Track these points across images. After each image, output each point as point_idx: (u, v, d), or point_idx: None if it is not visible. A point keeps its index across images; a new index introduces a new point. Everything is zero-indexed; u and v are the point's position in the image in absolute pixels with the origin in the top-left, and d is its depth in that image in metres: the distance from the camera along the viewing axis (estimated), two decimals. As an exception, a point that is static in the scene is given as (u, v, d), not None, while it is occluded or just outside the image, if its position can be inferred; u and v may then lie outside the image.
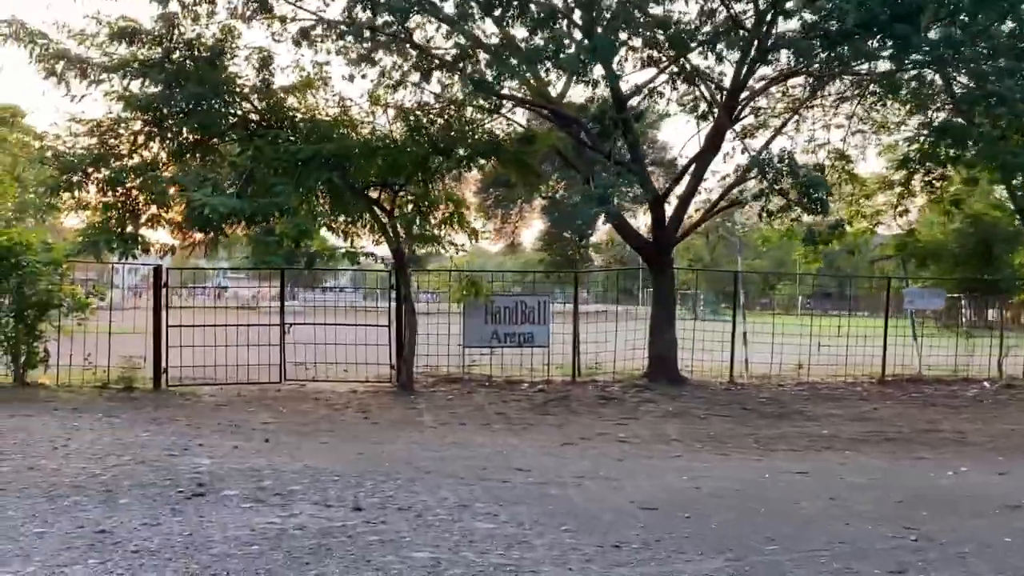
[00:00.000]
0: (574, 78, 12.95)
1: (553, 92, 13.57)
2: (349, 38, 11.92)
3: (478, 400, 12.96)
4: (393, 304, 14.02)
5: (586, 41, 11.65)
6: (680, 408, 12.40)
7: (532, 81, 12.61)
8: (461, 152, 11.28)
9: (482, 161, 11.34)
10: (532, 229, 47.69)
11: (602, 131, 12.66)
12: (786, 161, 11.97)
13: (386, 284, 14.33)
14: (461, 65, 11.87)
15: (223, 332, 13.63)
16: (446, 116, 11.55)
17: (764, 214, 13.09)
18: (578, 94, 14.15)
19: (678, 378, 14.40)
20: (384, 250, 13.72)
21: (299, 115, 11.87)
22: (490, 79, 11.54)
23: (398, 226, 12.59)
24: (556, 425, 11.01)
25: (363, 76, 12.68)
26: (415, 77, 12.46)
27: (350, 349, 14.10)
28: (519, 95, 12.71)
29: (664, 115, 13.63)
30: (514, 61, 11.35)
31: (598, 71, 11.92)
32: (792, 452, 9.55)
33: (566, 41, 11.58)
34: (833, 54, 12.23)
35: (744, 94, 13.66)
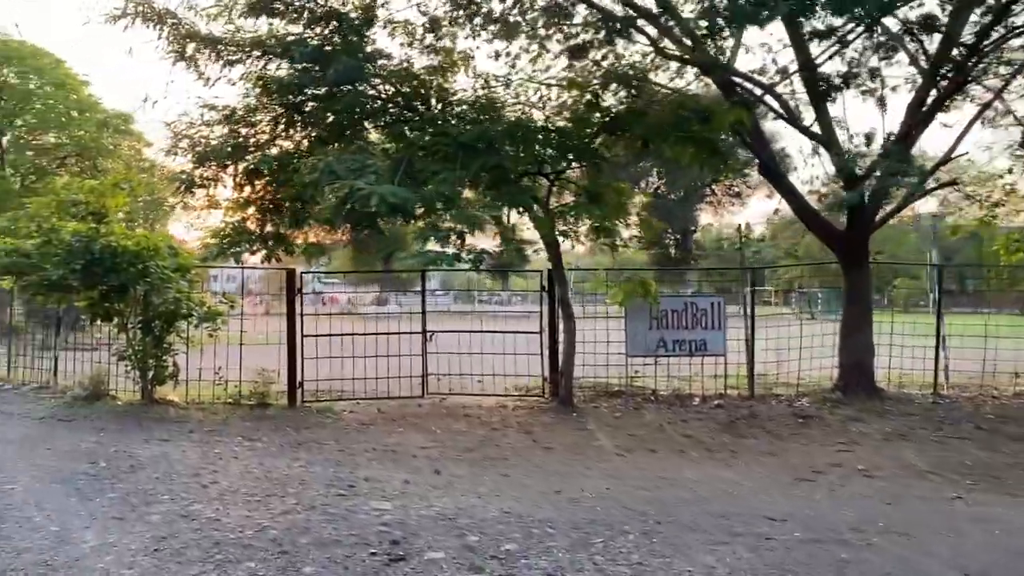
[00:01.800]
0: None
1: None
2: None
3: (651, 418, 11.28)
4: (546, 308, 12.48)
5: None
6: (899, 428, 10.44)
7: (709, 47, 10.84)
8: (638, 130, 9.61)
9: (663, 141, 9.65)
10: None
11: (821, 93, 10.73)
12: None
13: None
14: (664, 19, 10.17)
15: (352, 342, 12.39)
16: (630, 87, 9.88)
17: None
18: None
19: (875, 390, 12.38)
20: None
21: (448, 96, 10.44)
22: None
23: (555, 218, 10.99)
24: (766, 453, 9.24)
25: (529, 51, 11.07)
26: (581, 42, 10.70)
27: (489, 358, 12.62)
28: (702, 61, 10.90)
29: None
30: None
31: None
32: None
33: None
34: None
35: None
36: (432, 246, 9.11)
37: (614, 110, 9.71)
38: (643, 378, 13.06)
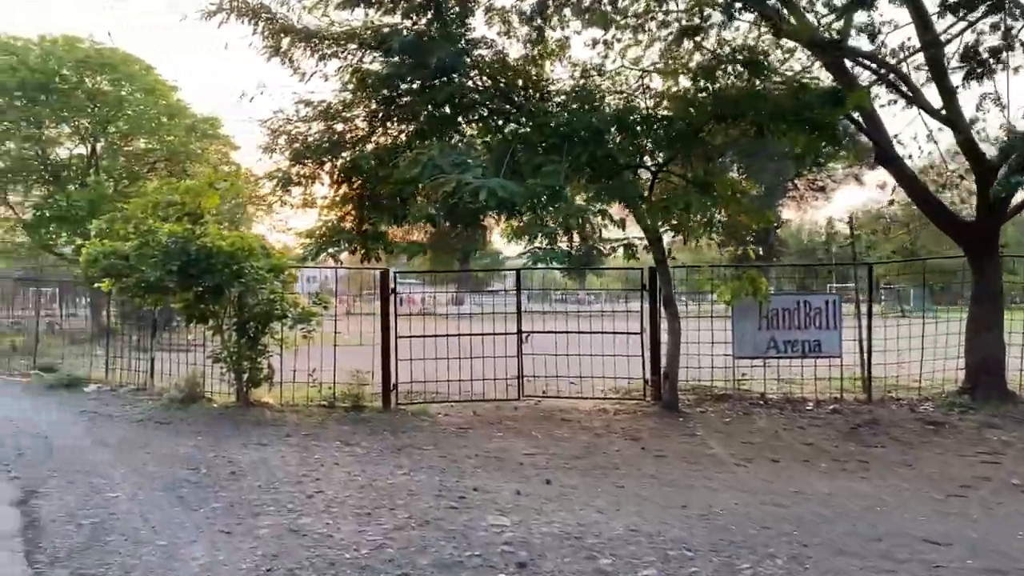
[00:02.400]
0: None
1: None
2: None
3: (763, 424, 10.58)
4: (647, 307, 11.88)
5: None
6: (1045, 437, 9.51)
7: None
8: (753, 116, 8.91)
9: (781, 127, 8.93)
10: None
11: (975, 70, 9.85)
12: None
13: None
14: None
15: (447, 343, 12.05)
16: (750, 68, 9.18)
17: None
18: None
19: (1007, 393, 11.38)
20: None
21: (545, 86, 9.95)
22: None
23: (659, 212, 10.37)
24: (900, 463, 8.46)
25: (637, 38, 10.47)
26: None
27: (584, 360, 12.10)
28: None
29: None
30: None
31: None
32: None
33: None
34: None
35: None
36: (536, 243, 8.60)
37: (729, 94, 9.03)
38: (750, 381, 12.33)
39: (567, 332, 12.28)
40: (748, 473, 8.07)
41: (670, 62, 10.54)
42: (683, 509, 6.59)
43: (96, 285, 11.62)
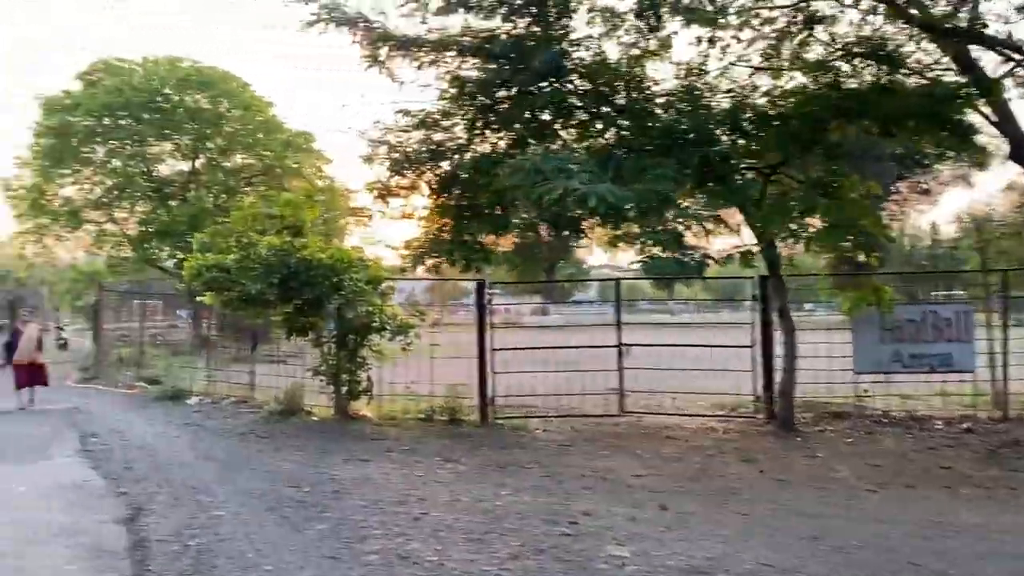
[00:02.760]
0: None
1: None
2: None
3: (890, 445, 9.82)
4: (758, 318, 11.25)
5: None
6: None
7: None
8: (880, 113, 8.25)
9: (909, 124, 8.24)
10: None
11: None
12: None
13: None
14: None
15: (540, 355, 11.73)
16: (882, 61, 8.50)
17: None
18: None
19: None
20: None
21: (647, 86, 9.51)
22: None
23: (774, 217, 9.74)
24: (1057, 491, 7.64)
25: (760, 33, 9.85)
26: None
27: (686, 374, 11.54)
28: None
29: None
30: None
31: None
32: None
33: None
34: None
35: None
36: (645, 251, 8.13)
37: (854, 89, 8.39)
38: (872, 397, 11.52)
39: (673, 345, 11.73)
40: (882, 500, 7.41)
41: (780, 58, 9.90)
42: (816, 541, 6.02)
43: (199, 298, 11.74)
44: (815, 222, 9.64)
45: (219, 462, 8.85)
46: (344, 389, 11.62)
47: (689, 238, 8.85)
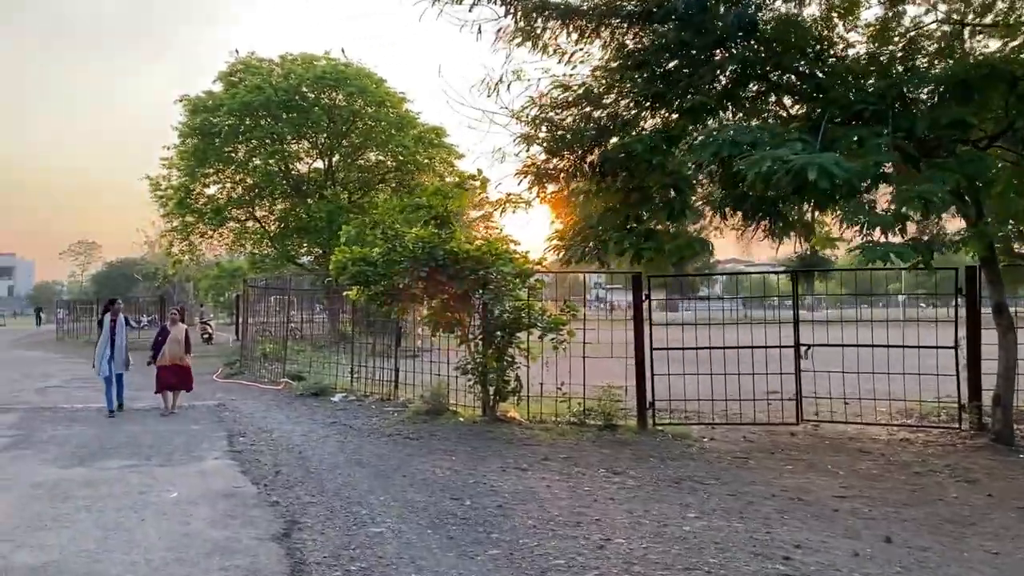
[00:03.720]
0: None
1: None
2: None
3: None
4: (962, 315, 9.81)
5: None
6: None
7: None
8: None
9: None
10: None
11: None
12: None
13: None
14: None
15: (697, 356, 10.65)
16: None
17: None
18: None
19: None
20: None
21: (842, 47, 8.29)
22: None
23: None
24: None
25: None
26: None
27: (862, 378, 10.21)
28: None
29: None
30: None
31: None
32: None
33: None
34: None
35: None
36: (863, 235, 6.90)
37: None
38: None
39: (863, 345, 10.36)
40: None
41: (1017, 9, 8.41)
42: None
43: (345, 293, 11.32)
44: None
45: (370, 467, 8.31)
46: (492, 389, 10.93)
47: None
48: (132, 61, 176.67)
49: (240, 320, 21.28)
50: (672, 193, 8.17)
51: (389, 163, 30.39)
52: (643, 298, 10.75)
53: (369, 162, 31.16)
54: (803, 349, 10.52)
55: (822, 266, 11.79)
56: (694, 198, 8.57)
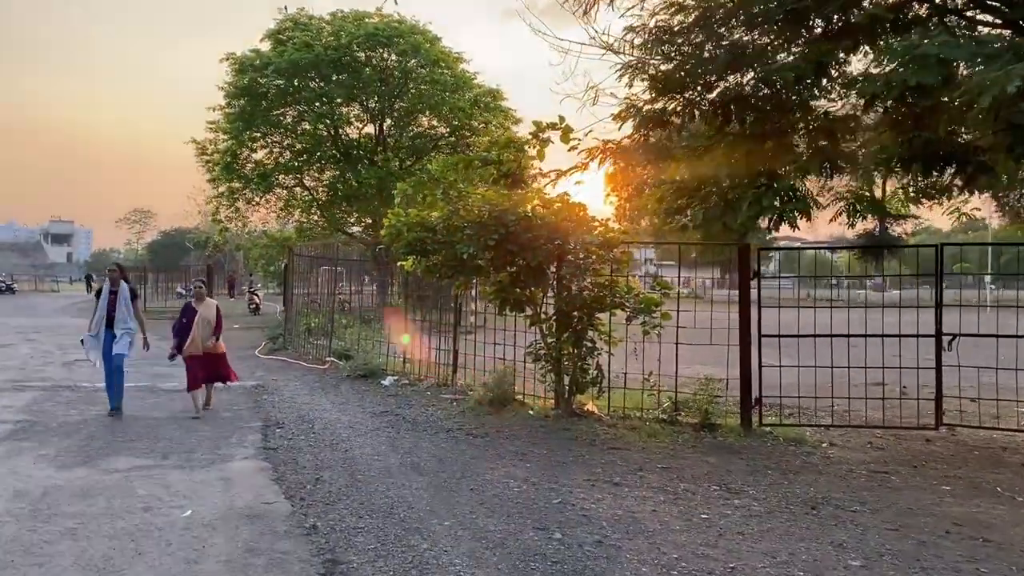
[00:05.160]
0: None
1: None
2: None
3: None
4: None
5: None
6: None
7: None
8: None
9: None
10: None
11: None
12: None
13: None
14: None
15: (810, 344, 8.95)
16: None
17: None
18: None
19: None
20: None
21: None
22: None
23: None
24: None
25: None
26: None
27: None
28: None
29: None
30: None
31: None
32: None
33: None
34: None
35: None
36: None
37: None
38: None
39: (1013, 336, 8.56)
40: None
41: None
42: None
43: (400, 263, 9.79)
44: None
45: (429, 474, 6.83)
46: (567, 379, 9.37)
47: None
48: (196, 28, 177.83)
49: (285, 291, 20.02)
50: (828, 138, 6.40)
51: (442, 129, 28.78)
52: (752, 275, 9.04)
53: (422, 127, 29.59)
54: (946, 340, 8.74)
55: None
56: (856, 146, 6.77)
